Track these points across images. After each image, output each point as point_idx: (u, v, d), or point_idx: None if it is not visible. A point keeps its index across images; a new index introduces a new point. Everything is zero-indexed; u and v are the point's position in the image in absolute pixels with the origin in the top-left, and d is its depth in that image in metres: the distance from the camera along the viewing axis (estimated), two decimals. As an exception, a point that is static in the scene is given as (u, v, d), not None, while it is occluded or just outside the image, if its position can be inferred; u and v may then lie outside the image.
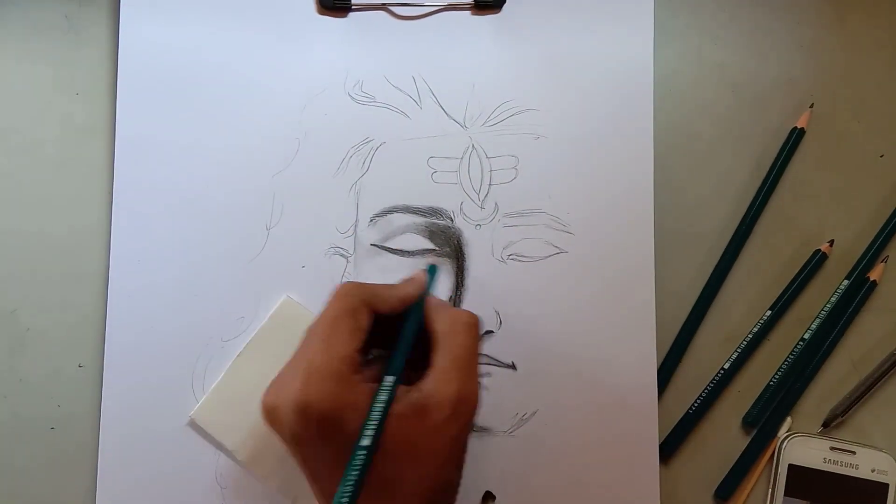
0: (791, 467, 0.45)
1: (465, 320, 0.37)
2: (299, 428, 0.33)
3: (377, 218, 0.46)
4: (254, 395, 0.38)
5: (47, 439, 0.45)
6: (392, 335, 0.37)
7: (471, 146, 0.46)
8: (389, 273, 0.45)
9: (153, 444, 0.44)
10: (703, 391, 0.46)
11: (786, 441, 0.45)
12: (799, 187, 0.48)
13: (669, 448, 0.46)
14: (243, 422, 0.44)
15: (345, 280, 0.45)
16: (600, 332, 0.45)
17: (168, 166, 0.46)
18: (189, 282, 0.45)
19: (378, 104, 0.47)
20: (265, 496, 0.44)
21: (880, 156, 0.48)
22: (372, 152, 0.46)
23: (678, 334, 0.46)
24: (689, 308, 0.47)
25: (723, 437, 0.46)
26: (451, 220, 0.46)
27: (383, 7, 0.47)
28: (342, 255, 0.46)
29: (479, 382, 0.36)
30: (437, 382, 0.35)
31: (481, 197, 0.46)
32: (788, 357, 0.46)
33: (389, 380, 0.34)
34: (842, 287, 0.47)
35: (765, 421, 0.46)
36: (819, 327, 0.46)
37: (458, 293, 0.46)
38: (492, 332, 0.45)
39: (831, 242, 0.47)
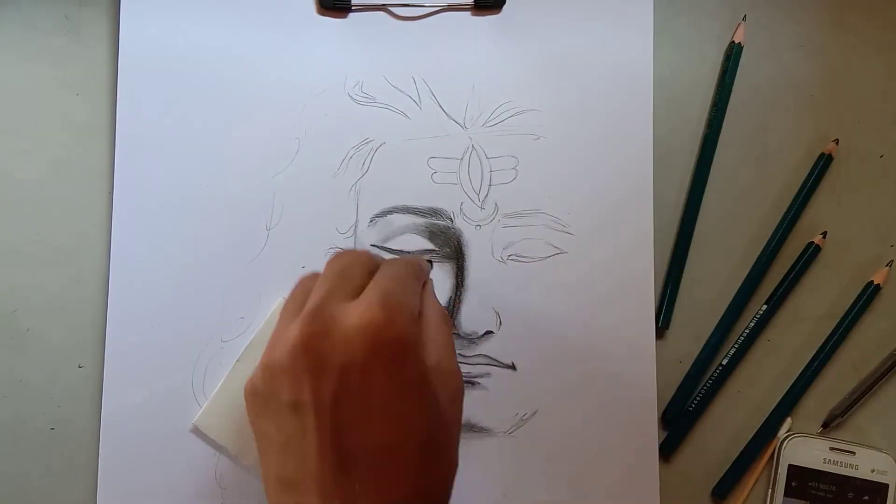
0: (791, 467, 0.45)
1: (435, 309, 0.37)
2: (365, 353, 0.31)
3: (377, 218, 0.46)
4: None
5: (47, 439, 0.45)
6: None
7: (471, 147, 0.46)
8: (389, 273, 0.45)
9: (153, 444, 0.44)
10: (702, 389, 0.46)
11: (786, 441, 0.45)
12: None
13: (669, 448, 0.46)
14: (246, 426, 0.43)
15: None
16: (600, 332, 0.45)
17: (168, 166, 0.46)
18: (189, 282, 0.45)
19: (378, 105, 0.47)
20: (232, 443, 0.44)
21: (880, 156, 0.48)
22: (372, 153, 0.46)
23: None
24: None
25: (723, 436, 0.46)
26: (451, 221, 0.46)
27: (383, 7, 0.47)
28: (342, 256, 0.45)
29: (455, 360, 0.36)
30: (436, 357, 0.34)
31: (481, 197, 0.46)
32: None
33: None
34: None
35: (765, 421, 0.46)
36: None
37: (458, 293, 0.46)
38: (492, 332, 0.45)
39: (824, 234, 0.47)
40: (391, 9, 0.47)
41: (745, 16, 0.48)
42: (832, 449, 0.45)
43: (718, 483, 0.45)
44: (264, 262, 0.45)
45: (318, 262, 0.45)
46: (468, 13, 0.47)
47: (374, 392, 0.31)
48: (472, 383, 0.45)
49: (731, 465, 0.46)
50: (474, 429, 0.45)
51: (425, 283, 0.39)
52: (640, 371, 0.45)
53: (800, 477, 0.45)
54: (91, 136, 0.46)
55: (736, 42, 0.47)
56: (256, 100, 0.46)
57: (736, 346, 0.46)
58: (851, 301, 0.47)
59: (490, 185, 0.46)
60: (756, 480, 0.46)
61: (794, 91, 0.48)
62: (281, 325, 0.35)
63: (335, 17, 0.47)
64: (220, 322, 0.45)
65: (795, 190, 0.47)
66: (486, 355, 0.45)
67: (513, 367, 0.45)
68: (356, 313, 0.32)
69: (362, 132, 0.46)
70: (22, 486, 0.44)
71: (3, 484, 0.44)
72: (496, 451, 0.45)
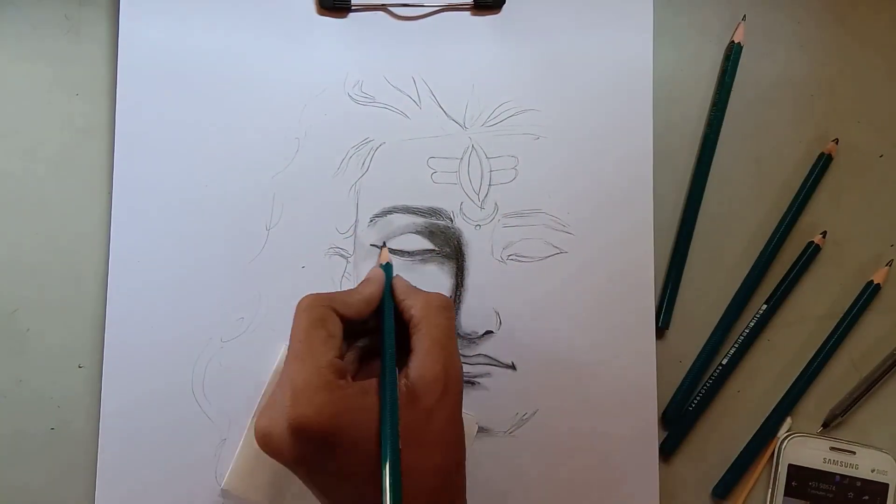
0: (791, 467, 0.45)
1: (438, 303, 0.38)
2: (299, 448, 0.33)
3: (377, 218, 0.46)
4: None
5: (47, 439, 0.45)
6: (366, 331, 0.39)
7: (471, 146, 0.46)
8: (389, 273, 0.45)
9: (153, 444, 0.44)
10: (702, 389, 0.46)
11: (786, 441, 0.45)
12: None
13: (669, 447, 0.45)
14: (275, 477, 0.43)
15: (344, 280, 0.45)
16: (600, 332, 0.45)
17: (168, 166, 0.46)
18: (189, 282, 0.45)
19: (378, 104, 0.47)
20: (265, 496, 0.44)
21: (880, 156, 0.48)
22: (372, 152, 0.46)
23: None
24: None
25: (723, 436, 0.46)
26: (451, 221, 0.46)
27: (383, 7, 0.47)
28: (342, 256, 0.46)
29: (459, 358, 0.37)
30: (422, 366, 0.35)
31: (481, 197, 0.46)
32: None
33: (392, 378, 0.34)
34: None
35: (765, 421, 0.46)
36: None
37: (458, 293, 0.46)
38: (492, 332, 0.45)
39: (824, 234, 0.47)
40: (391, 9, 0.47)
41: (744, 16, 0.48)
42: (832, 449, 0.45)
43: (718, 483, 0.45)
44: (264, 262, 0.45)
45: (318, 262, 0.45)
46: (468, 13, 0.47)
47: (322, 469, 0.34)
48: (472, 383, 0.45)
49: (731, 465, 0.46)
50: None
51: (390, 289, 0.40)
52: (640, 371, 0.45)
53: (800, 477, 0.45)
54: (91, 136, 0.46)
55: (736, 42, 0.48)
56: (256, 100, 0.46)
57: (736, 345, 0.46)
58: (851, 301, 0.47)
59: (490, 184, 0.46)
60: (756, 480, 0.46)
61: (794, 91, 0.48)
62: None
63: (335, 17, 0.47)
64: (219, 322, 0.45)
65: (795, 190, 0.47)
66: (486, 355, 0.45)
67: (513, 367, 0.45)
68: (282, 416, 0.34)
69: (362, 132, 0.46)
70: (22, 486, 0.44)
71: (3, 484, 0.44)
72: (496, 451, 0.45)
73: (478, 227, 0.46)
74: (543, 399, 0.45)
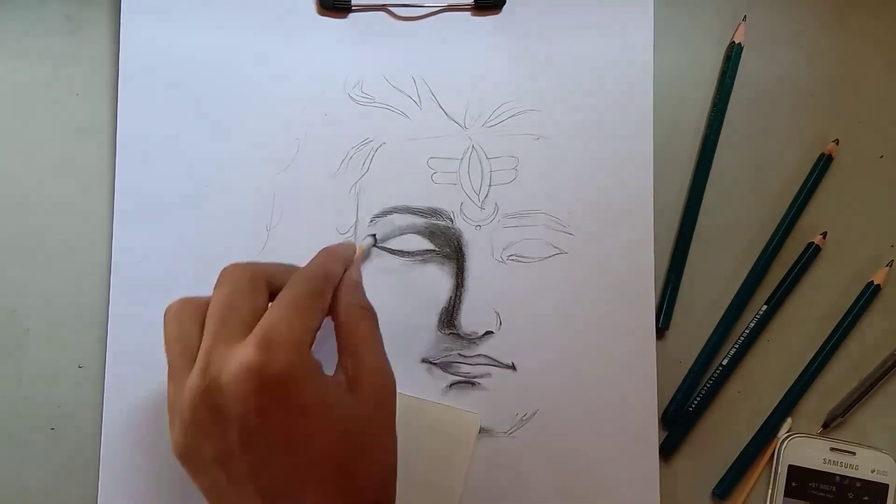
0: (791, 468, 0.45)
1: (359, 310, 0.37)
2: (254, 397, 0.31)
3: (377, 218, 0.46)
4: None
5: (47, 439, 0.45)
6: None
7: (471, 147, 0.46)
8: (389, 274, 0.45)
9: (154, 444, 0.44)
10: (702, 389, 0.46)
11: (786, 441, 0.45)
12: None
13: (669, 447, 0.45)
14: None
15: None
16: (600, 332, 0.45)
17: (168, 166, 0.46)
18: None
19: (378, 105, 0.47)
20: None
21: (880, 156, 0.48)
22: (372, 153, 0.46)
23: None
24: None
25: (723, 436, 0.46)
26: (451, 221, 0.46)
27: (383, 8, 0.47)
28: (342, 256, 0.45)
29: (385, 358, 0.37)
30: (355, 368, 0.36)
31: (481, 197, 0.46)
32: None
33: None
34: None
35: (765, 421, 0.46)
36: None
37: (458, 293, 0.46)
38: (492, 332, 0.45)
39: (824, 234, 0.47)
40: (391, 9, 0.47)
41: (745, 16, 0.48)
42: (832, 449, 0.45)
43: (718, 483, 0.45)
44: (264, 262, 0.45)
45: (318, 262, 0.45)
46: (468, 13, 0.47)
47: (274, 428, 0.32)
48: (472, 383, 0.45)
49: (731, 465, 0.46)
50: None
51: (346, 273, 0.39)
52: (640, 371, 0.45)
53: (800, 477, 0.45)
54: (91, 136, 0.46)
55: (736, 42, 0.48)
56: (256, 99, 0.46)
57: (736, 346, 0.46)
58: (851, 301, 0.47)
59: (490, 185, 0.46)
60: (756, 480, 0.46)
61: (794, 91, 0.48)
62: (179, 376, 0.35)
63: (335, 17, 0.47)
64: (220, 322, 0.45)
65: (795, 190, 0.47)
66: (486, 355, 0.45)
67: (513, 367, 0.45)
68: (236, 360, 0.32)
69: (362, 132, 0.46)
70: (22, 486, 0.44)
71: (3, 484, 0.44)
72: (496, 451, 0.45)
73: (478, 228, 0.46)
74: (543, 399, 0.45)
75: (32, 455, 0.45)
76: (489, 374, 0.45)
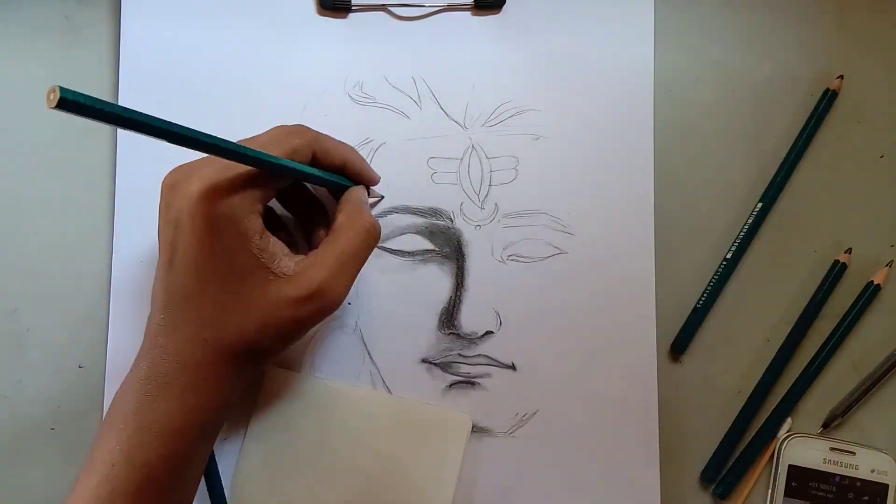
0: (791, 467, 0.45)
1: (363, 223, 0.38)
2: (196, 210, 0.35)
3: (377, 218, 0.46)
4: (273, 473, 0.41)
5: (47, 439, 0.45)
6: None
7: (471, 146, 0.46)
8: (389, 273, 0.45)
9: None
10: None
11: (786, 441, 0.45)
12: (799, 187, 0.48)
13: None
14: (275, 491, 0.43)
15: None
16: (600, 332, 0.45)
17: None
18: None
19: (378, 105, 0.47)
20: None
21: (880, 156, 0.48)
22: (372, 153, 0.46)
23: (678, 334, 0.46)
24: (690, 308, 0.46)
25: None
26: (451, 221, 0.46)
27: (383, 7, 0.47)
28: (342, 256, 0.45)
29: (347, 285, 0.37)
30: (309, 264, 0.36)
31: (481, 197, 0.46)
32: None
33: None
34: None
35: (765, 421, 0.46)
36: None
37: (458, 293, 0.46)
38: (492, 332, 0.45)
39: (849, 251, 0.47)
40: (391, 9, 0.47)
41: (841, 75, 0.48)
42: (832, 449, 0.45)
43: (718, 483, 0.45)
44: (264, 262, 0.45)
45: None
46: (468, 13, 0.47)
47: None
48: (472, 383, 0.45)
49: (731, 465, 0.46)
50: (474, 429, 0.45)
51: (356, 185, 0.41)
52: (640, 371, 0.45)
53: (800, 477, 0.45)
54: (91, 136, 0.46)
55: (831, 89, 0.47)
56: (257, 100, 0.46)
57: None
58: (851, 301, 0.47)
59: (490, 185, 0.46)
60: (756, 480, 0.46)
61: (793, 91, 0.48)
62: None
63: (335, 17, 0.47)
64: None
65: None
66: (486, 355, 0.45)
67: (513, 367, 0.45)
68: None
69: (362, 132, 0.46)
70: (22, 486, 0.44)
71: (3, 484, 0.44)
72: (496, 451, 0.45)
73: (478, 228, 0.46)
74: (543, 399, 0.45)
75: (32, 455, 0.45)
76: (489, 374, 0.45)
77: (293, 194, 0.42)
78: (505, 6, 0.47)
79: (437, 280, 0.46)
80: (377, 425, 0.44)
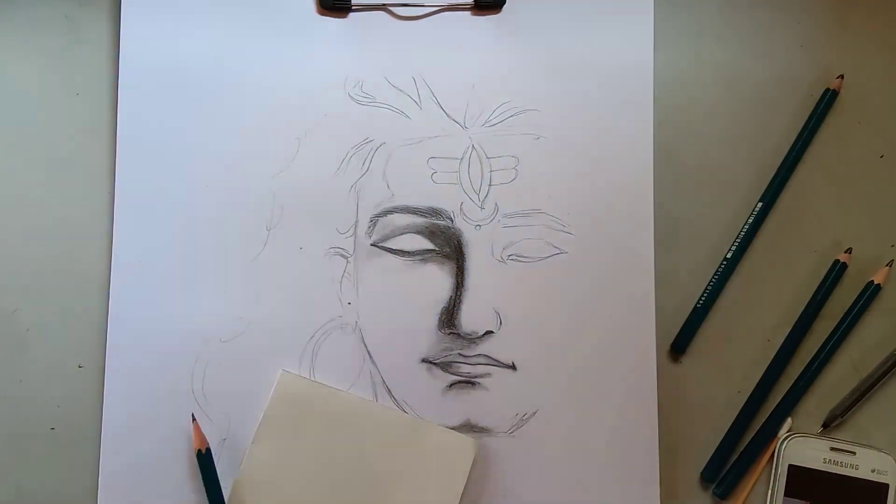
0: (791, 467, 0.45)
1: None
2: None
3: (377, 218, 0.46)
4: (276, 479, 0.41)
5: (47, 439, 0.45)
6: None
7: (471, 146, 0.46)
8: (389, 273, 0.45)
9: (154, 444, 0.44)
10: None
11: (786, 441, 0.45)
12: (799, 187, 0.48)
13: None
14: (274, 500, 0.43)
15: (344, 280, 0.45)
16: (600, 332, 0.45)
17: (168, 166, 0.46)
18: (189, 281, 0.45)
19: (378, 104, 0.47)
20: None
21: (880, 156, 0.48)
22: (372, 152, 0.46)
23: (678, 334, 0.46)
24: (690, 308, 0.46)
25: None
26: (451, 221, 0.46)
27: (383, 7, 0.47)
28: (342, 255, 0.46)
29: None
30: None
31: (481, 197, 0.46)
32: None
33: None
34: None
35: (765, 421, 0.46)
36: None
37: (458, 293, 0.46)
38: (492, 332, 0.45)
39: (849, 251, 0.47)
40: (391, 9, 0.47)
41: (842, 74, 0.48)
42: (832, 449, 0.45)
43: (718, 483, 0.45)
44: (264, 262, 0.45)
45: (318, 262, 0.45)
46: (468, 13, 0.47)
47: None
48: (472, 383, 0.45)
49: (732, 465, 0.46)
50: (474, 429, 0.45)
51: None
52: (640, 371, 0.45)
53: (800, 477, 0.45)
54: (91, 137, 0.46)
55: (831, 89, 0.48)
56: (257, 100, 0.46)
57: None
58: (851, 301, 0.47)
59: (490, 185, 0.46)
60: (756, 480, 0.46)
61: (793, 91, 0.48)
62: None
63: (335, 17, 0.47)
64: (219, 322, 0.45)
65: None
66: (486, 355, 0.45)
67: (513, 367, 0.45)
68: None
69: (362, 132, 0.46)
70: (22, 486, 0.44)
71: (3, 484, 0.44)
72: (496, 451, 0.45)
73: (478, 227, 0.46)
74: (543, 399, 0.45)
75: (32, 455, 0.45)
76: (489, 374, 0.45)
77: None
78: (505, 6, 0.47)
79: (437, 280, 0.46)
80: (386, 441, 0.44)
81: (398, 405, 0.45)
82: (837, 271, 0.46)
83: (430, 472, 0.43)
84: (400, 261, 0.46)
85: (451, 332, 0.45)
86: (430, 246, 0.46)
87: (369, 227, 0.46)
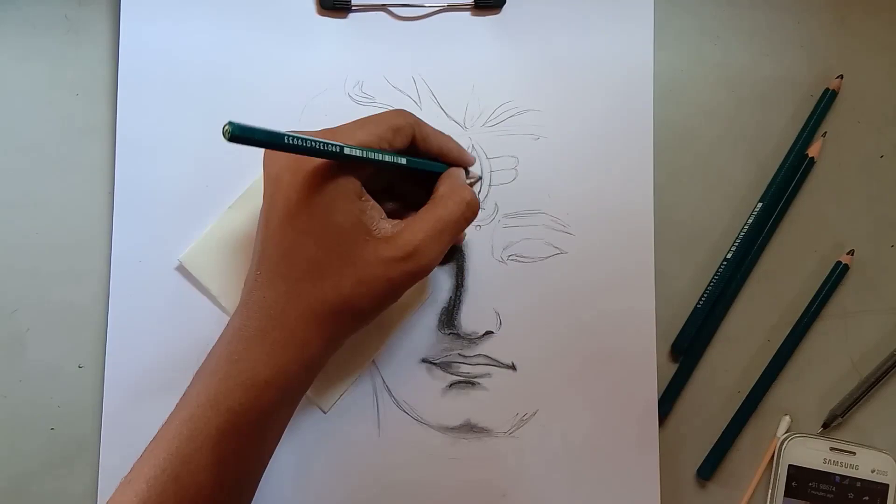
0: (791, 468, 0.45)
1: (465, 195, 0.39)
2: (298, 166, 0.35)
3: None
4: (242, 245, 0.42)
5: (47, 439, 0.45)
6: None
7: (471, 147, 0.46)
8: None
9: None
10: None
11: (786, 441, 0.45)
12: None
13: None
14: (230, 270, 0.44)
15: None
16: (600, 332, 0.45)
17: (168, 166, 0.46)
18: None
19: (378, 105, 0.47)
20: (213, 282, 0.45)
21: (880, 156, 0.48)
22: (372, 152, 0.46)
23: (678, 334, 0.46)
24: (690, 308, 0.46)
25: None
26: (451, 221, 0.46)
27: (383, 8, 0.47)
28: (342, 256, 0.45)
29: (441, 251, 0.38)
30: (406, 227, 0.37)
31: (481, 197, 0.46)
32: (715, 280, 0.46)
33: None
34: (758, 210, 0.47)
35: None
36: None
37: (458, 293, 0.46)
38: (492, 332, 0.45)
39: (851, 252, 0.47)
40: (391, 9, 0.47)
41: (825, 132, 0.48)
42: (832, 449, 0.45)
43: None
44: (264, 262, 0.45)
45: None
46: (468, 13, 0.47)
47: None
48: (472, 383, 0.45)
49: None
50: (474, 429, 0.45)
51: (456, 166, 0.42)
52: (640, 371, 0.45)
53: (800, 477, 0.45)
54: (91, 136, 0.46)
55: (831, 89, 0.47)
56: (257, 100, 0.46)
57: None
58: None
59: (490, 185, 0.46)
60: (757, 481, 0.46)
61: (793, 91, 0.48)
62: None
63: (335, 17, 0.47)
64: (219, 322, 0.45)
65: (796, 190, 0.47)
66: (486, 355, 0.45)
67: (513, 367, 0.45)
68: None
69: (362, 132, 0.46)
70: (22, 486, 0.44)
71: (3, 484, 0.44)
72: (496, 451, 0.45)
73: (478, 228, 0.46)
74: (543, 399, 0.45)
75: (32, 455, 0.45)
76: (489, 374, 0.45)
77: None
78: (505, 6, 0.47)
79: (437, 280, 0.46)
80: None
81: (398, 405, 0.45)
82: (839, 273, 0.46)
83: None
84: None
85: (450, 333, 0.45)
86: (430, 246, 0.46)
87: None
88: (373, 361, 0.45)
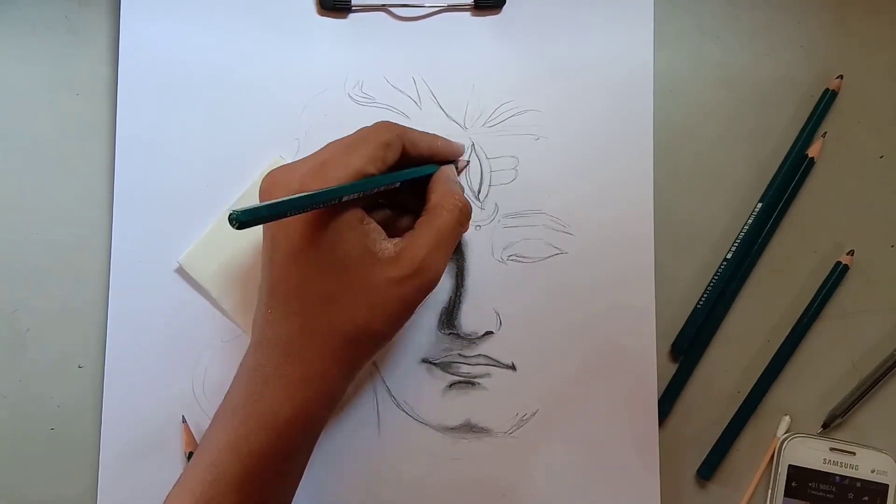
0: (791, 468, 0.45)
1: (455, 202, 0.39)
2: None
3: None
4: (241, 246, 0.42)
5: (47, 439, 0.45)
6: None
7: (471, 147, 0.46)
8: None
9: (154, 444, 0.44)
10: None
11: (786, 442, 0.45)
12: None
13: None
14: (229, 272, 0.44)
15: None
16: (600, 332, 0.45)
17: (168, 166, 0.46)
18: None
19: (378, 105, 0.47)
20: (212, 285, 0.45)
21: (880, 156, 0.48)
22: (372, 153, 0.46)
23: (678, 334, 0.46)
24: (690, 308, 0.46)
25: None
26: (451, 221, 0.46)
27: (383, 8, 0.47)
28: (342, 256, 0.45)
29: (445, 260, 0.38)
30: (409, 244, 0.37)
31: (481, 197, 0.46)
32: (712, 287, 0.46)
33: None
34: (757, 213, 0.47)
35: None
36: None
37: (458, 293, 0.46)
38: (492, 332, 0.45)
39: (851, 252, 0.47)
40: (391, 9, 0.47)
41: (825, 132, 0.48)
42: (832, 449, 0.45)
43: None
44: (264, 262, 0.45)
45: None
46: (468, 13, 0.47)
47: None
48: (472, 383, 0.45)
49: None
50: (474, 429, 0.45)
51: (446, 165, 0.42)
52: (640, 371, 0.45)
53: (800, 477, 0.45)
54: (91, 136, 0.46)
55: (830, 89, 0.47)
56: (256, 100, 0.46)
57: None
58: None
59: (490, 185, 0.46)
60: (757, 481, 0.46)
61: (793, 91, 0.48)
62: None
63: (335, 17, 0.47)
64: (219, 322, 0.45)
65: (797, 189, 0.47)
66: (486, 355, 0.45)
67: (513, 367, 0.45)
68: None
69: (362, 132, 0.46)
70: (22, 486, 0.44)
71: (3, 484, 0.44)
72: (496, 451, 0.45)
73: (478, 228, 0.46)
74: (543, 399, 0.45)
75: (32, 455, 0.45)
76: (489, 374, 0.45)
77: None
78: (505, 6, 0.47)
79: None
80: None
81: (398, 405, 0.45)
82: (839, 273, 0.46)
83: None
84: (400, 261, 0.46)
85: (450, 333, 0.45)
86: (430, 246, 0.46)
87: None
88: (373, 362, 0.45)
